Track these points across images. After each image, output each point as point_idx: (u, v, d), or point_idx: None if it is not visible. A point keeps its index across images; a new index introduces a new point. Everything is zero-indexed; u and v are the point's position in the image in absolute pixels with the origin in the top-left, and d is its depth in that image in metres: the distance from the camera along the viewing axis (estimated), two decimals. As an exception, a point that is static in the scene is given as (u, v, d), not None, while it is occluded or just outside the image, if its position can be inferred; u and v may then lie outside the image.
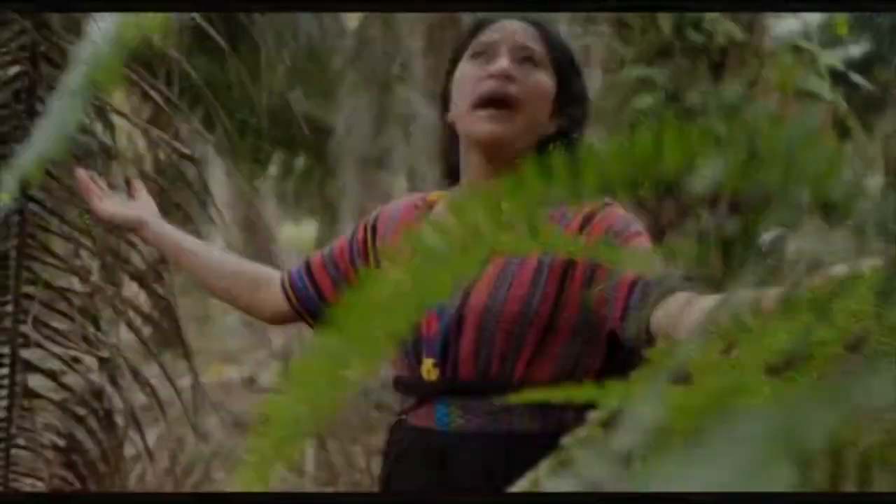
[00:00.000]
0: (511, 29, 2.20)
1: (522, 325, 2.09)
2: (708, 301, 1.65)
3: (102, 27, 0.64)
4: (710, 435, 0.54)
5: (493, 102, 2.14)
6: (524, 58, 2.17)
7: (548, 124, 2.20)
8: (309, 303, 2.40)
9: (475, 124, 2.14)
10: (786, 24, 6.83)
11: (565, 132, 2.21)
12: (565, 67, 2.21)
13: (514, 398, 1.05)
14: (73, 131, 0.65)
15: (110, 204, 2.52)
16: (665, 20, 6.40)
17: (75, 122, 0.65)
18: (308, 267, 2.42)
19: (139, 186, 2.60)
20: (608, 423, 0.95)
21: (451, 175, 2.32)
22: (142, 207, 2.53)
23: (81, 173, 2.56)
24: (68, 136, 0.65)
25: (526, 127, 2.15)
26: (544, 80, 2.18)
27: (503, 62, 2.15)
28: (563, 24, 8.52)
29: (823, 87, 5.74)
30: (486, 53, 2.18)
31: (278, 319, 2.47)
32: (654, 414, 0.60)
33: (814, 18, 7.19)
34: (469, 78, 2.17)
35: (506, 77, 2.14)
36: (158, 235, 2.48)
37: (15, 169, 0.67)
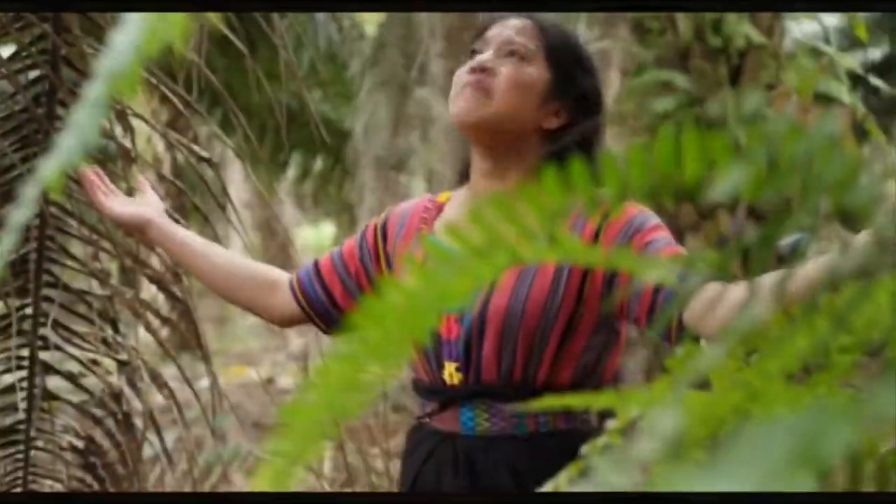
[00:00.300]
0: (504, 25, 2.23)
1: (544, 326, 2.10)
2: (737, 292, 1.64)
3: (123, 36, 0.65)
4: (730, 449, 0.54)
5: (467, 88, 2.18)
6: (511, 51, 2.19)
7: (542, 117, 2.19)
8: (319, 306, 2.38)
9: (452, 108, 2.18)
10: (805, 27, 6.81)
11: (571, 126, 2.20)
12: (561, 61, 2.20)
13: (536, 404, 1.05)
14: (95, 142, 0.66)
15: (115, 202, 2.47)
16: (684, 23, 6.39)
17: (96, 133, 0.65)
18: (317, 269, 2.39)
19: (145, 184, 2.56)
20: (627, 431, 0.95)
21: (463, 175, 2.34)
22: (147, 206, 2.47)
23: (86, 170, 2.52)
24: (89, 147, 0.66)
25: (500, 114, 2.16)
26: (528, 71, 2.18)
27: (484, 56, 2.18)
28: (582, 27, 8.52)
29: (842, 91, 5.73)
30: (480, 51, 2.22)
31: (287, 321, 2.45)
32: (675, 424, 0.60)
33: (832, 21, 7.17)
34: (458, 73, 2.21)
35: (482, 70, 2.17)
36: (163, 235, 2.44)
37: (36, 180, 0.67)
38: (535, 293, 2.10)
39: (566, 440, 2.11)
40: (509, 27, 2.22)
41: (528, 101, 2.18)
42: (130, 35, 0.64)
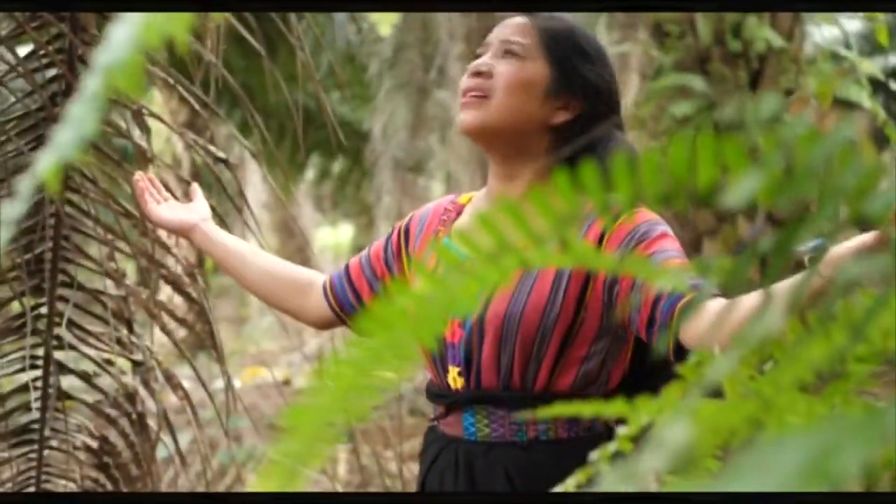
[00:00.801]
0: (503, 26, 2.21)
1: (542, 332, 2.08)
2: (744, 306, 1.63)
3: (121, 31, 0.63)
4: (741, 463, 0.53)
5: (466, 95, 2.17)
6: (507, 51, 2.17)
7: (545, 113, 2.16)
8: (348, 307, 2.41)
9: (458, 117, 2.17)
10: (825, 32, 6.78)
11: (580, 122, 2.16)
12: (560, 54, 2.17)
13: (542, 412, 1.03)
14: (92, 136, 0.64)
15: (164, 209, 2.54)
16: (704, 27, 6.36)
17: (94, 127, 0.63)
18: (347, 272, 2.43)
19: (196, 190, 2.61)
20: (638, 439, 0.94)
21: None
22: (194, 212, 2.54)
23: (138, 176, 2.57)
24: (86, 142, 0.64)
25: (501, 115, 2.14)
26: (526, 68, 2.15)
27: (481, 59, 2.18)
28: (601, 30, 8.49)
29: (863, 96, 5.70)
30: (481, 55, 2.20)
31: (322, 324, 2.48)
32: (684, 437, 0.58)
33: (853, 26, 7.13)
34: (461, 81, 2.20)
35: (478, 73, 2.16)
36: (207, 240, 2.51)
37: (33, 175, 0.66)
38: (534, 299, 2.08)
39: (567, 449, 2.10)
40: (506, 27, 2.20)
41: (530, 99, 2.15)
42: (128, 29, 0.63)
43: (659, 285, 1.92)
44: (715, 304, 1.83)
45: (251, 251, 2.50)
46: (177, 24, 0.67)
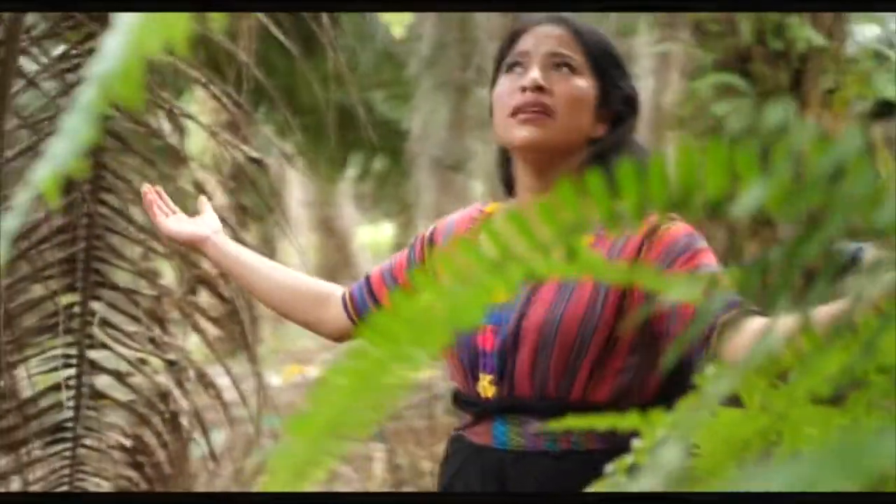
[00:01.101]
0: (543, 36, 2.16)
1: (581, 342, 2.05)
2: (757, 325, 1.61)
3: (115, 38, 0.62)
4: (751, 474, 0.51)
5: (527, 111, 2.12)
6: (558, 64, 2.13)
7: (592, 128, 2.15)
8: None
9: (511, 131, 2.12)
10: (867, 31, 6.73)
11: (612, 132, 2.16)
12: (604, 67, 2.16)
13: (559, 423, 1.02)
14: (87, 146, 0.63)
15: (173, 221, 2.52)
16: (744, 26, 6.32)
17: (89, 137, 0.62)
18: (368, 283, 2.40)
19: (205, 202, 2.60)
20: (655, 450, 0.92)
21: (510, 187, 2.29)
22: (204, 225, 2.51)
23: (147, 189, 2.55)
24: (82, 153, 0.63)
25: (564, 133, 2.11)
26: (581, 85, 2.13)
27: (534, 73, 2.12)
28: (643, 30, 8.44)
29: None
30: (521, 64, 2.15)
31: (340, 335, 2.45)
32: (678, 458, 0.56)
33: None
34: (504, 91, 2.15)
35: (537, 88, 2.11)
36: (219, 253, 2.49)
37: (29, 186, 0.65)
38: (573, 307, 2.05)
39: (599, 460, 2.07)
40: (551, 37, 2.16)
41: (585, 115, 2.13)
42: (122, 36, 0.62)
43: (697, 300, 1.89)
44: (756, 323, 1.81)
45: (267, 264, 2.47)
46: (175, 26, 0.66)
